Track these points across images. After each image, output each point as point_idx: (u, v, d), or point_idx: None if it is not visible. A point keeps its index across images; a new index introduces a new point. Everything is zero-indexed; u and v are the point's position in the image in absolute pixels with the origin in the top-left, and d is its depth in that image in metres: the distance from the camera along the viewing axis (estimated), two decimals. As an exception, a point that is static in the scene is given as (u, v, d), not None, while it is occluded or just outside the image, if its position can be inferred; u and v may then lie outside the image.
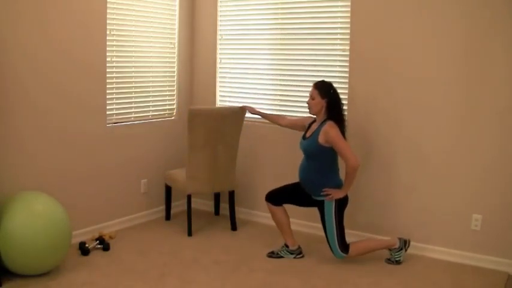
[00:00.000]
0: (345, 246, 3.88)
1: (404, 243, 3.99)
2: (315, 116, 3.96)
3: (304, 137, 3.98)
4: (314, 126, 3.91)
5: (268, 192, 4.12)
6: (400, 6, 4.15)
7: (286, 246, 4.09)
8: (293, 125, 4.24)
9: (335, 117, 3.82)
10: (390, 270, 3.87)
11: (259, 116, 4.51)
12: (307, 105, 3.92)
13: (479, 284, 3.68)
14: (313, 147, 3.84)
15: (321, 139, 3.78)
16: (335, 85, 4.46)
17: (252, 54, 4.99)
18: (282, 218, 4.07)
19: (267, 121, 4.85)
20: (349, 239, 3.96)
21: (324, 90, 3.84)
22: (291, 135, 4.66)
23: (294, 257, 4.06)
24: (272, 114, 4.52)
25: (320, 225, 4.61)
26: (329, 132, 3.75)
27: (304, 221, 4.64)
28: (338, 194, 3.82)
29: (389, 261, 3.98)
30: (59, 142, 4.07)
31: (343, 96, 4.43)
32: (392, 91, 4.23)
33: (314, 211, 4.59)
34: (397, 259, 3.96)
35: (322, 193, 3.83)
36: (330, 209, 3.85)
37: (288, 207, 4.12)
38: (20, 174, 3.81)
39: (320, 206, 3.90)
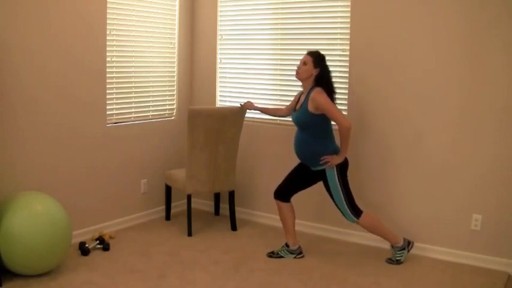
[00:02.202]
0: (355, 210, 3.88)
1: (408, 244, 4.00)
2: (301, 89, 3.98)
3: (295, 110, 3.99)
4: (303, 97, 3.92)
5: (275, 189, 4.11)
6: (400, 5, 4.15)
7: (287, 245, 4.09)
8: (291, 109, 4.21)
9: (323, 86, 3.83)
10: (390, 270, 3.87)
11: (259, 111, 4.52)
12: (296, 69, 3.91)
13: (479, 284, 3.68)
14: (304, 116, 3.84)
15: (311, 107, 3.78)
16: (335, 85, 4.48)
17: (252, 54, 4.99)
18: (288, 216, 4.06)
19: (267, 121, 4.86)
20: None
21: (319, 59, 3.86)
22: (291, 134, 4.66)
23: (294, 257, 4.06)
24: (270, 108, 4.55)
25: (320, 225, 4.63)
26: (317, 98, 3.75)
27: (304, 221, 4.64)
28: (336, 160, 3.80)
29: (390, 260, 3.99)
30: (59, 142, 4.07)
31: (343, 97, 4.44)
32: (392, 91, 4.23)
33: (315, 211, 4.60)
34: (398, 258, 3.96)
35: (321, 162, 3.81)
36: (333, 176, 3.83)
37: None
38: (20, 174, 3.81)
39: (322, 176, 3.88)
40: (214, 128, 4.41)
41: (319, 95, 3.76)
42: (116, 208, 4.61)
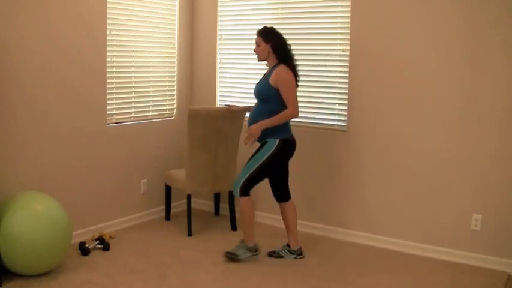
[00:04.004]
0: (245, 190, 3.85)
1: (255, 250, 3.96)
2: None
3: (256, 88, 3.97)
4: (267, 72, 3.93)
5: (273, 194, 4.09)
6: (400, 5, 4.15)
7: (288, 245, 4.09)
8: None
9: (286, 61, 3.83)
10: (390, 270, 3.87)
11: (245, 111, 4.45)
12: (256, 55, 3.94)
13: (479, 284, 3.68)
14: (264, 88, 3.83)
15: (272, 80, 3.78)
16: (335, 85, 4.49)
17: (252, 54, 4.95)
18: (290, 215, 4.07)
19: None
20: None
21: (267, 34, 3.87)
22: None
23: (295, 257, 4.05)
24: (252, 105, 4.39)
25: (320, 225, 4.63)
26: (280, 73, 3.76)
27: (304, 221, 4.64)
28: (254, 129, 3.76)
29: (230, 254, 3.91)
30: (59, 142, 4.06)
31: (343, 97, 4.44)
32: (392, 91, 4.23)
33: (315, 211, 4.60)
34: (237, 252, 3.90)
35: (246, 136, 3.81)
36: (269, 149, 3.80)
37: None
38: (20, 174, 3.81)
39: (263, 144, 3.86)
40: (214, 128, 4.40)
41: (283, 71, 3.78)
42: (116, 208, 4.61)
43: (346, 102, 4.43)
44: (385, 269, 3.89)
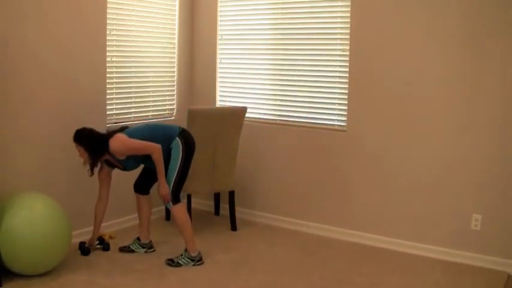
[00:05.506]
0: (175, 198, 3.81)
1: (199, 260, 3.88)
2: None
3: (124, 168, 3.93)
4: (111, 159, 3.84)
5: (134, 183, 4.12)
6: (400, 6, 4.15)
7: (138, 239, 4.12)
8: (106, 184, 4.05)
9: (105, 144, 3.73)
10: (390, 270, 3.87)
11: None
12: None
13: (479, 284, 3.68)
14: (129, 165, 3.88)
15: (120, 156, 3.76)
16: (335, 85, 4.49)
17: (252, 54, 4.99)
18: (144, 208, 4.12)
19: (267, 121, 4.88)
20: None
21: (77, 138, 3.77)
22: (291, 135, 4.67)
23: (145, 251, 4.08)
24: (98, 221, 4.08)
25: (320, 225, 4.62)
26: (116, 148, 3.71)
27: (304, 221, 4.64)
28: (162, 190, 3.76)
29: (171, 261, 3.86)
30: (59, 142, 4.06)
31: (343, 97, 4.44)
32: (392, 91, 4.23)
33: (315, 211, 4.60)
34: (180, 262, 3.85)
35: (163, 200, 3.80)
36: (177, 152, 3.79)
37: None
38: (20, 174, 3.81)
39: (169, 152, 3.83)
40: (214, 128, 4.40)
41: (114, 144, 3.70)
42: (116, 208, 4.60)
43: (346, 102, 4.43)
44: (385, 269, 3.90)
